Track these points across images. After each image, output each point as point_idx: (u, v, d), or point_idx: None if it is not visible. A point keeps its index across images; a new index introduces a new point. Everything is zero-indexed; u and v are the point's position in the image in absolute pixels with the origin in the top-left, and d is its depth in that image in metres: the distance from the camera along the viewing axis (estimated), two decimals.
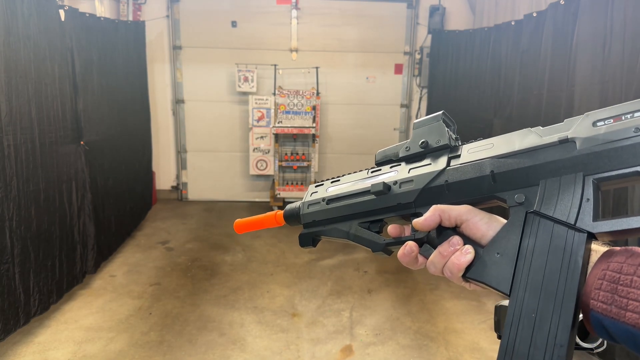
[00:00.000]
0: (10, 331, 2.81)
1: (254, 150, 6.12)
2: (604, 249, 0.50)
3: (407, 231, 0.67)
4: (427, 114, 5.37)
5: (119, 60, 4.57)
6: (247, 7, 6.01)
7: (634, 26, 2.53)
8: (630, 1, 2.55)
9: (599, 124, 0.50)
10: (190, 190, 6.58)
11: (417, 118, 6.29)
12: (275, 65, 6.07)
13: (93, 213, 3.81)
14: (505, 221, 0.57)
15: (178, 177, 6.57)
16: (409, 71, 6.33)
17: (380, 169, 0.72)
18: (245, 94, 6.11)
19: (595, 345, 1.03)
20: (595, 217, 0.49)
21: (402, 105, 6.46)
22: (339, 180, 0.77)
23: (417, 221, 0.60)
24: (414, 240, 0.63)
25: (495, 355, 0.51)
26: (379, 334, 3.11)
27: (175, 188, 6.61)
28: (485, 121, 4.31)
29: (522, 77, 3.73)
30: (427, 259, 0.61)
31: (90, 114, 3.85)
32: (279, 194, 5.90)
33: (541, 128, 0.55)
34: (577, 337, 1.04)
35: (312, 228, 0.76)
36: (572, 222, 0.50)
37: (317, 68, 6.13)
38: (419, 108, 6.35)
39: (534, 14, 3.55)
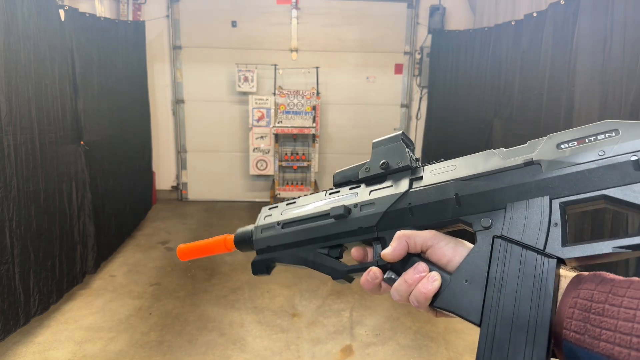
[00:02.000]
0: (10, 331, 2.80)
1: (254, 150, 6.12)
2: (572, 274, 0.49)
3: (371, 254, 0.65)
4: (427, 114, 5.31)
5: (119, 61, 4.57)
6: (247, 7, 6.01)
7: (634, 26, 2.52)
8: (630, 1, 2.55)
9: (562, 146, 0.49)
10: (190, 190, 6.58)
11: (417, 118, 6.34)
12: (275, 65, 6.07)
13: (93, 213, 3.81)
14: (472, 246, 0.55)
15: (178, 177, 6.57)
16: (409, 71, 6.33)
17: (339, 191, 0.69)
18: (245, 94, 6.11)
19: None
20: (564, 242, 0.48)
21: (402, 105, 6.46)
22: (295, 202, 0.72)
23: (385, 253, 0.57)
24: (378, 266, 0.60)
25: None
26: (379, 334, 3.11)
27: (175, 188, 6.61)
28: (485, 121, 4.32)
29: (522, 77, 3.73)
30: (391, 286, 0.58)
31: (90, 114, 3.84)
32: (279, 194, 5.90)
33: (504, 150, 0.54)
34: None
35: (266, 254, 0.71)
36: (542, 248, 0.48)
37: (317, 68, 6.13)
38: (419, 108, 6.35)
39: (534, 14, 3.55)
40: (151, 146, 5.73)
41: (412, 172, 0.62)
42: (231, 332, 3.09)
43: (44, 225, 3.13)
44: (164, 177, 6.51)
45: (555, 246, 0.48)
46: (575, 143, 0.49)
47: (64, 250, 3.40)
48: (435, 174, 0.59)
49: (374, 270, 0.60)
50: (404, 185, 0.61)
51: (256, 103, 5.97)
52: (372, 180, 0.66)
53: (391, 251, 0.57)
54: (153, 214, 5.79)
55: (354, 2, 6.06)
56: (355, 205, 0.64)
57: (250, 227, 0.74)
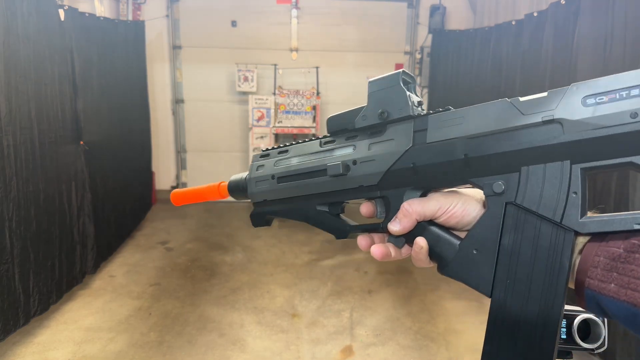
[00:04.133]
0: (10, 331, 2.80)
1: (254, 150, 6.11)
2: None
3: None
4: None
5: (119, 60, 4.57)
6: (247, 6, 6.00)
7: (635, 26, 2.52)
8: (631, 1, 2.54)
9: (589, 101, 0.43)
10: None
11: None
12: (275, 65, 6.07)
13: (93, 213, 3.80)
14: (479, 197, 0.54)
15: (178, 177, 6.56)
16: (409, 71, 6.31)
17: (334, 141, 0.63)
18: (245, 93, 6.11)
19: (596, 345, 1.03)
20: (583, 213, 0.45)
21: None
22: (287, 151, 0.68)
23: (392, 229, 0.57)
24: (382, 228, 0.59)
25: None
26: (380, 334, 3.11)
27: (175, 188, 6.59)
28: None
29: (523, 77, 3.73)
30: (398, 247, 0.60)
31: (89, 114, 3.84)
32: None
33: (520, 100, 0.48)
34: (577, 338, 1.03)
35: (264, 207, 0.69)
36: (559, 220, 0.45)
37: (317, 68, 6.13)
38: None
39: (535, 14, 3.54)
40: (151, 146, 5.72)
41: (415, 123, 0.56)
42: (231, 332, 3.09)
43: (43, 225, 3.13)
44: (163, 177, 6.50)
45: (573, 218, 0.45)
46: (604, 98, 0.42)
47: (63, 251, 3.39)
48: (442, 127, 0.53)
49: (377, 249, 0.59)
50: (406, 140, 0.55)
51: (256, 103, 5.97)
52: (370, 130, 0.60)
53: (400, 229, 0.56)
54: (153, 214, 5.78)
55: (354, 1, 6.06)
56: (354, 161, 0.59)
57: (243, 175, 0.73)
